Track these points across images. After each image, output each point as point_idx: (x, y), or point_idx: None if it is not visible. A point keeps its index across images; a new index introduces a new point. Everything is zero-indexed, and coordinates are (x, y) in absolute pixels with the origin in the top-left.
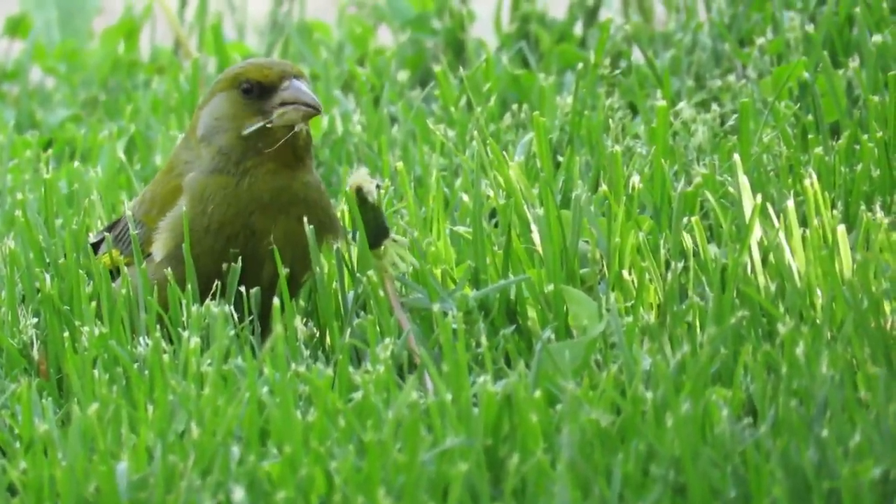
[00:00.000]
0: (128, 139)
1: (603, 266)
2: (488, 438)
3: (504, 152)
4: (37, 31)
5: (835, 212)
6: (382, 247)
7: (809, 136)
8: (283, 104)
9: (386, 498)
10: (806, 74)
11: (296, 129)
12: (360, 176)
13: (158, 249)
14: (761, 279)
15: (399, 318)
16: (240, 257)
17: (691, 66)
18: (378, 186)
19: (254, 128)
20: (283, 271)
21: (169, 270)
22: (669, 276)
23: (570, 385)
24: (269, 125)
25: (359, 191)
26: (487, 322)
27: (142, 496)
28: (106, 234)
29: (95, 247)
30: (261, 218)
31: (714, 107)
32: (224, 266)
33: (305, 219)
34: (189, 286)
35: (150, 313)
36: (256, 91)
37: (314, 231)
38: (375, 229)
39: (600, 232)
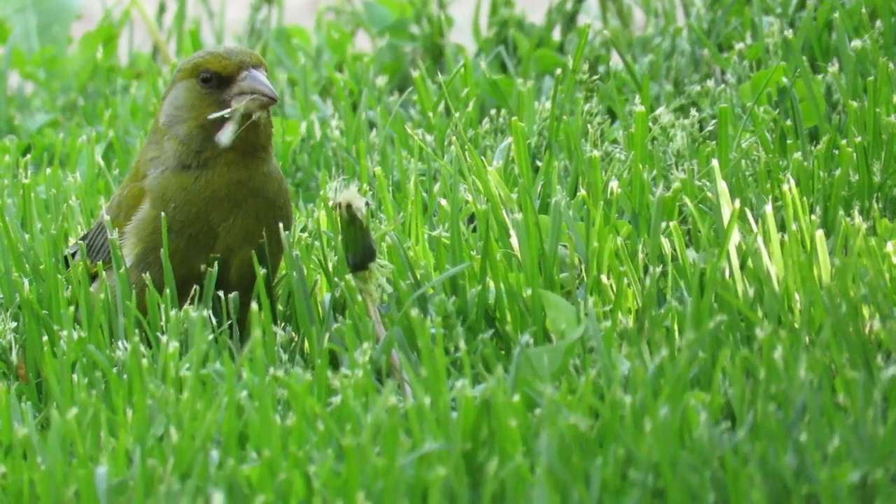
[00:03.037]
0: (106, 144)
1: (581, 271)
2: (467, 443)
3: (482, 157)
4: (15, 36)
5: (813, 217)
6: (368, 269)
7: (788, 142)
8: (240, 94)
9: (365, 502)
10: (785, 79)
11: (254, 117)
12: (350, 193)
13: (127, 255)
14: (740, 284)
15: (378, 331)
16: (210, 260)
17: (670, 71)
18: (368, 204)
19: (213, 116)
20: (261, 272)
21: (147, 275)
22: (648, 280)
23: (548, 389)
24: (227, 115)
25: (348, 208)
26: (465, 327)
27: (121, 500)
28: (80, 242)
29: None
30: (217, 215)
31: (693, 112)
32: (191, 269)
33: (265, 216)
34: (168, 290)
35: (128, 318)
36: (215, 81)
37: (269, 232)
38: (363, 250)
39: (579, 237)
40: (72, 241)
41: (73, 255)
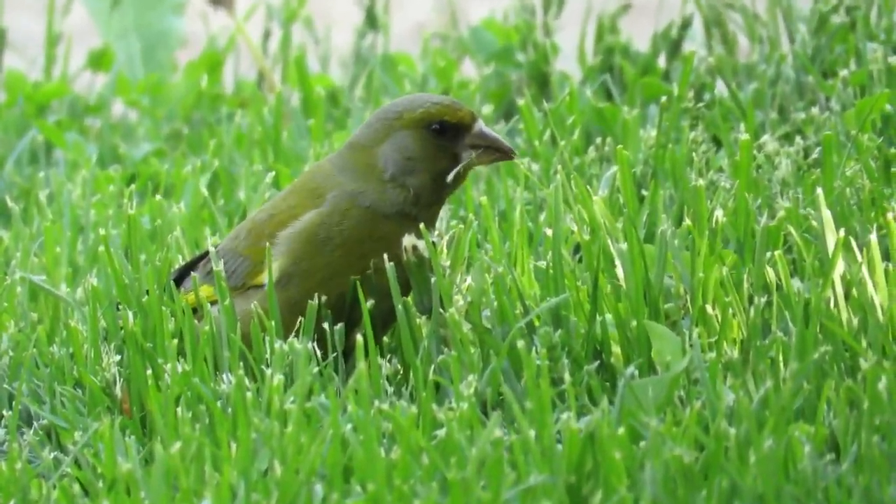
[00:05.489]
0: (211, 174)
1: (687, 301)
2: (571, 476)
3: (588, 186)
4: (119, 64)
5: None
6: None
7: (892, 169)
8: (474, 146)
9: None
10: (889, 107)
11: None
12: (412, 237)
13: (276, 267)
14: (844, 314)
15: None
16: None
17: (775, 99)
18: (434, 244)
19: (454, 172)
20: (368, 304)
21: (256, 305)
22: (753, 310)
23: (653, 421)
24: (462, 170)
25: (415, 250)
26: (571, 358)
27: None
28: (193, 273)
29: (177, 282)
30: (379, 254)
31: (798, 139)
32: (341, 288)
33: (385, 256)
34: (273, 322)
35: (232, 351)
36: (450, 133)
37: (393, 269)
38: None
39: (684, 266)
40: (179, 266)
41: (180, 279)
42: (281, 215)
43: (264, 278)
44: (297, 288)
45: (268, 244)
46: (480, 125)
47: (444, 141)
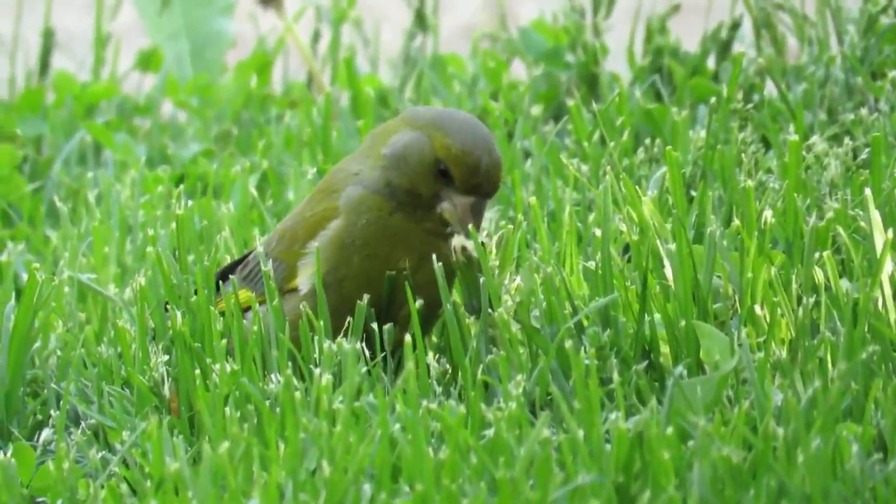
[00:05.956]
0: (260, 174)
1: (735, 301)
2: (620, 475)
3: (637, 187)
4: (168, 64)
5: None
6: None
7: None
8: (453, 205)
9: None
10: None
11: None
12: (461, 238)
13: (306, 278)
14: (892, 314)
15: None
16: (384, 285)
17: (824, 100)
18: (483, 244)
19: (427, 227)
20: (416, 304)
21: (305, 305)
22: (801, 311)
23: (701, 421)
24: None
25: (464, 251)
26: (619, 358)
27: None
28: (231, 276)
29: (219, 284)
30: (402, 251)
31: (846, 140)
32: (369, 295)
33: (434, 257)
34: (321, 322)
35: (281, 350)
36: (448, 178)
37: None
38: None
39: (733, 267)
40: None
41: (221, 279)
42: (308, 224)
43: (298, 282)
44: (334, 293)
45: (316, 245)
46: (476, 201)
47: (439, 177)
